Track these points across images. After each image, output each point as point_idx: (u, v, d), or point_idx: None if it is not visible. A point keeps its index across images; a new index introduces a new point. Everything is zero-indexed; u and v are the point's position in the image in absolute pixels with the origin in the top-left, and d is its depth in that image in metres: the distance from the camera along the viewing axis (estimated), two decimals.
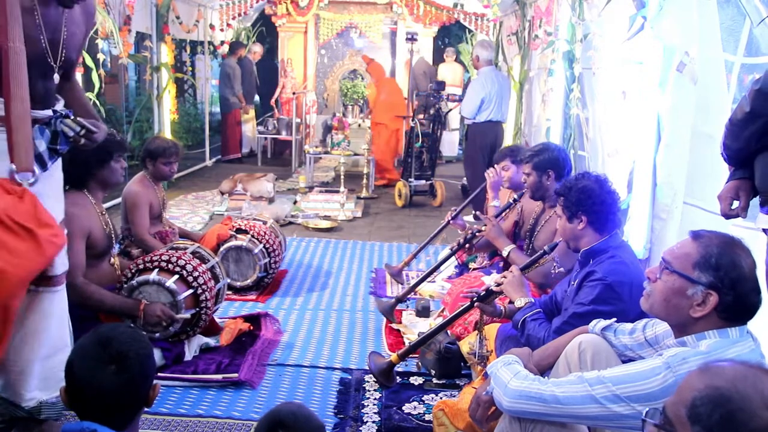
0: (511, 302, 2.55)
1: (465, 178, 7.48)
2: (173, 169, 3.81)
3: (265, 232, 4.14)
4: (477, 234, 3.59)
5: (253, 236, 4.07)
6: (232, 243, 4.02)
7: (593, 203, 2.39)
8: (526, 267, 2.64)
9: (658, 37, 3.67)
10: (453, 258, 4.38)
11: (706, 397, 1.04)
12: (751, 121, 1.99)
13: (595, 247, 2.41)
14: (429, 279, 4.38)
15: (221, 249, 3.98)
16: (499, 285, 2.52)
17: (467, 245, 3.65)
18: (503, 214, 3.69)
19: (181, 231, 4.10)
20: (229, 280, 3.80)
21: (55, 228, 2.22)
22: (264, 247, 4.08)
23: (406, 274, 4.58)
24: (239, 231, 4.11)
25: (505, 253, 3.33)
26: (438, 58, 11.63)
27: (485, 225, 3.47)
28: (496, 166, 4.12)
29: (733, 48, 2.99)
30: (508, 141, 7.08)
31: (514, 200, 3.62)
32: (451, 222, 4.14)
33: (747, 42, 2.91)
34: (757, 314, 1.60)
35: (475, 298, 2.55)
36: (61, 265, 2.35)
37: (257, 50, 10.39)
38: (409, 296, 3.88)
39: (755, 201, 2.13)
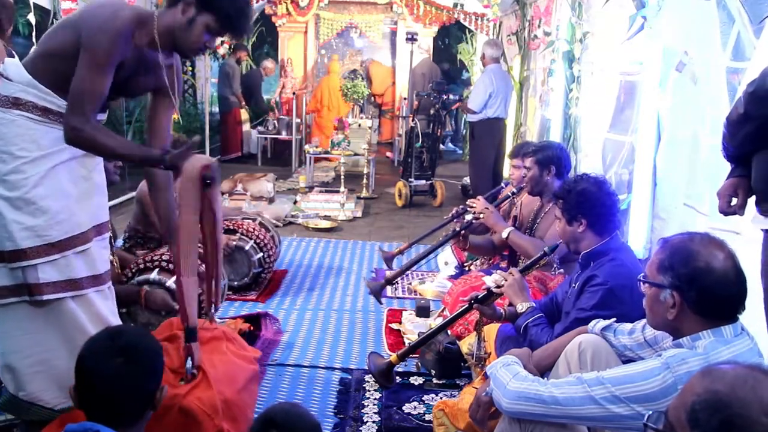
0: (511, 305, 2.53)
1: (466, 178, 7.47)
2: None
3: (254, 228, 4.12)
4: (474, 221, 3.51)
5: (242, 234, 4.06)
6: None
7: (593, 206, 2.38)
8: (526, 269, 2.61)
9: (656, 37, 3.68)
10: (453, 257, 4.40)
11: (705, 402, 1.03)
12: (745, 122, 1.99)
13: (595, 250, 2.39)
14: (429, 279, 4.40)
15: None
16: (499, 287, 2.49)
17: (462, 231, 3.52)
18: (500, 205, 3.68)
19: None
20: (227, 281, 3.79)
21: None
22: (255, 242, 4.07)
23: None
24: (228, 231, 4.05)
25: (504, 235, 3.31)
26: (438, 57, 11.61)
27: (482, 213, 3.44)
28: (511, 161, 4.06)
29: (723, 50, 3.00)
30: (508, 139, 7.10)
31: (512, 193, 3.62)
32: (455, 220, 4.11)
33: (734, 45, 2.91)
34: (755, 312, 1.59)
35: (473, 300, 2.53)
36: (104, 262, 2.27)
37: (269, 66, 10.43)
38: (405, 287, 3.80)
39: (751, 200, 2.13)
